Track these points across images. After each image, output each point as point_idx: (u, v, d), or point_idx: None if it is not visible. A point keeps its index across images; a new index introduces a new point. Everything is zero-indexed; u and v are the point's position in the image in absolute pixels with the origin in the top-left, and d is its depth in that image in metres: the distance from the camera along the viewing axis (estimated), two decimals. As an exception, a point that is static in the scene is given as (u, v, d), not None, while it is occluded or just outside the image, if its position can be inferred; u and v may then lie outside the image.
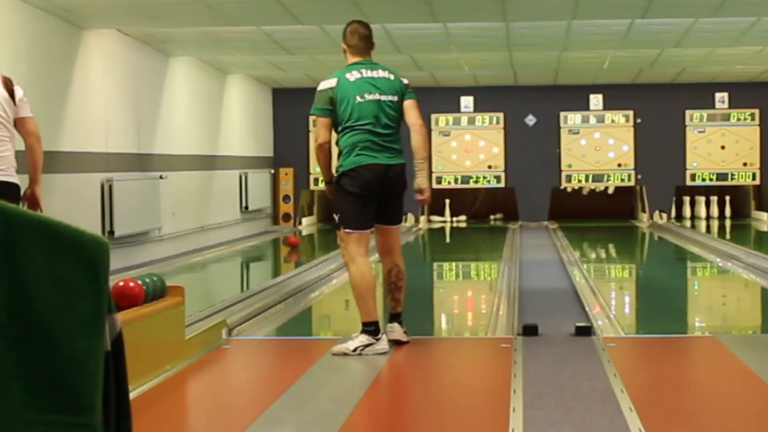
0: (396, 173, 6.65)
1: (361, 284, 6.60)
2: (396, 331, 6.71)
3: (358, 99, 6.62)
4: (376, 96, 6.64)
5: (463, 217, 20.76)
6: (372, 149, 6.59)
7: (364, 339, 6.51)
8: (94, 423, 1.22)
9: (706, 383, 5.97)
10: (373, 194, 6.61)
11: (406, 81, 6.81)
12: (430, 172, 19.65)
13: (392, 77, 6.74)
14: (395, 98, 6.70)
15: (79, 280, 1.22)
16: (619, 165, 20.03)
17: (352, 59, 6.81)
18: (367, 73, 6.71)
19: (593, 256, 14.89)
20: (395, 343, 6.69)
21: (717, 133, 19.96)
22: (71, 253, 1.22)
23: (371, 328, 6.53)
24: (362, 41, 6.81)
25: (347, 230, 6.63)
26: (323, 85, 6.71)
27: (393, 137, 6.69)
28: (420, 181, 6.74)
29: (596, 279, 11.32)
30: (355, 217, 6.63)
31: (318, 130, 6.71)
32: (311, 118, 7.24)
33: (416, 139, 6.71)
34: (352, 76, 6.69)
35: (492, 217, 20.95)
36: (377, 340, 6.53)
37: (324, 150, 6.72)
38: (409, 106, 6.74)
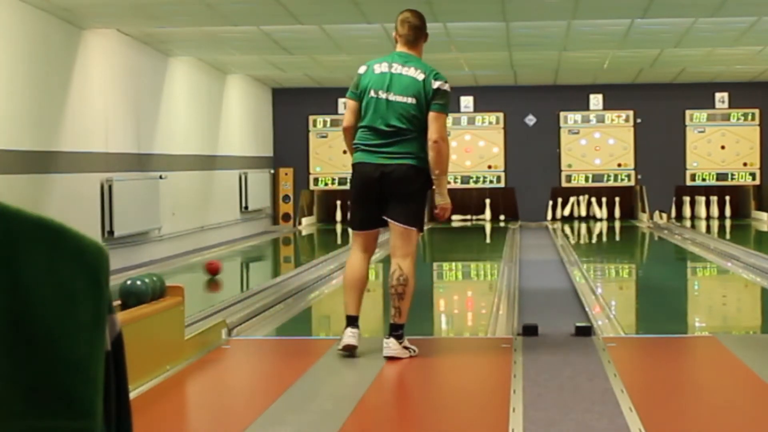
0: (391, 173, 6.31)
1: (344, 277, 6.62)
2: (391, 347, 6.28)
3: (372, 94, 6.37)
4: (386, 96, 6.33)
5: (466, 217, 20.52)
6: (367, 149, 6.40)
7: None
8: (95, 427, 1.22)
9: (706, 383, 5.97)
10: (369, 195, 6.43)
11: (438, 85, 6.33)
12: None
13: (421, 77, 6.33)
14: (412, 101, 6.31)
15: (79, 284, 1.21)
16: (619, 165, 20.02)
17: (398, 49, 6.51)
18: (396, 68, 6.37)
19: (593, 256, 14.88)
20: (390, 359, 6.28)
21: (717, 133, 19.95)
22: (72, 257, 1.21)
23: (347, 321, 6.42)
24: (411, 31, 6.46)
25: (350, 228, 6.68)
26: (359, 70, 6.51)
27: (398, 138, 6.33)
28: (435, 198, 6.43)
29: (596, 279, 11.32)
30: (354, 216, 6.65)
31: (346, 113, 6.57)
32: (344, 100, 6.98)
33: (430, 155, 6.32)
34: (380, 67, 6.41)
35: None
36: (344, 334, 6.38)
37: (347, 134, 6.54)
38: (431, 119, 6.30)
